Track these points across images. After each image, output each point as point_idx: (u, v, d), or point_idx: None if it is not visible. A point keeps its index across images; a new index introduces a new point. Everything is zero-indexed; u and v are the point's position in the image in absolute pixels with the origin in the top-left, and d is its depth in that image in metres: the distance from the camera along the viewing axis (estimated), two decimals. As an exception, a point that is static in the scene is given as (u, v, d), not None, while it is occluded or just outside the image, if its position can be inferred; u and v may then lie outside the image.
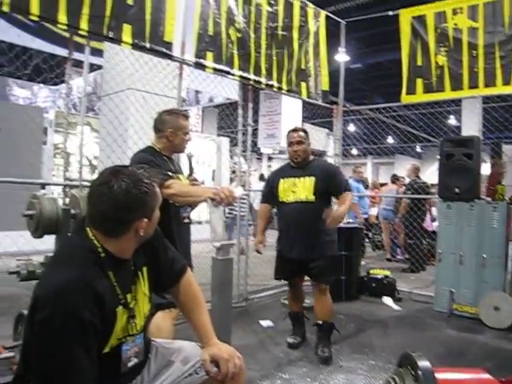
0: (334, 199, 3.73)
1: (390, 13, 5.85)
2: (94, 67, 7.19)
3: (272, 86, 4.96)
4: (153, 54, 3.95)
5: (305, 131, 3.72)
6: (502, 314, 4.38)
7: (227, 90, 6.23)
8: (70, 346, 1.30)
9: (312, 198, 3.49)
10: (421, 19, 5.61)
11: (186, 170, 3.01)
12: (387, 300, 5.28)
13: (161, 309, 2.34)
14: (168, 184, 2.42)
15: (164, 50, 3.90)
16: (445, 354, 3.69)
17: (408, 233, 7.44)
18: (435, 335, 4.21)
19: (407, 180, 8.40)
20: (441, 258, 4.99)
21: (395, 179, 9.31)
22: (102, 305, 1.39)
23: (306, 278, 3.75)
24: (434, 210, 8.54)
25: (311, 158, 3.72)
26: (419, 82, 5.62)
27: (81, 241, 1.51)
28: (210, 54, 4.28)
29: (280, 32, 5.01)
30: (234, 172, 11.62)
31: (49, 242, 3.32)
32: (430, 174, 11.91)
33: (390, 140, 21.03)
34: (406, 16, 5.73)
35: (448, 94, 5.51)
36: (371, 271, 5.72)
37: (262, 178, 12.83)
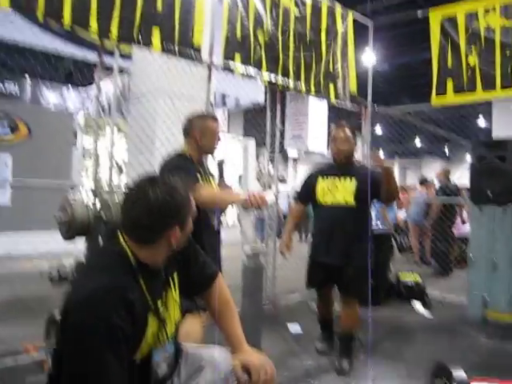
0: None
1: (419, 13, 5.75)
2: (122, 70, 7.29)
3: (300, 88, 4.94)
4: (181, 57, 3.97)
5: (352, 131, 3.50)
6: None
7: (254, 92, 6.24)
8: (101, 351, 1.30)
9: (352, 202, 3.31)
10: (451, 19, 5.49)
11: (216, 175, 3.00)
12: (417, 305, 5.18)
13: (190, 313, 2.35)
14: (198, 189, 2.42)
15: (192, 53, 3.92)
16: (479, 364, 3.55)
17: (438, 236, 7.31)
18: (469, 343, 4.10)
19: (437, 183, 8.26)
20: (473, 263, 4.87)
21: (424, 181, 9.15)
22: (133, 312, 1.40)
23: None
24: (464, 214, 8.37)
25: (354, 160, 3.58)
26: (449, 83, 5.50)
27: (112, 247, 1.52)
28: (238, 57, 4.28)
29: (308, 34, 4.97)
30: (260, 173, 11.65)
31: (79, 243, 3.37)
32: (459, 176, 11.66)
33: (418, 142, 20.73)
34: (435, 16, 5.61)
35: (479, 95, 5.37)
36: (400, 275, 5.62)
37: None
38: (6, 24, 3.34)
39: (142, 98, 5.25)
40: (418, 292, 5.34)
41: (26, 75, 10.19)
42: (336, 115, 6.77)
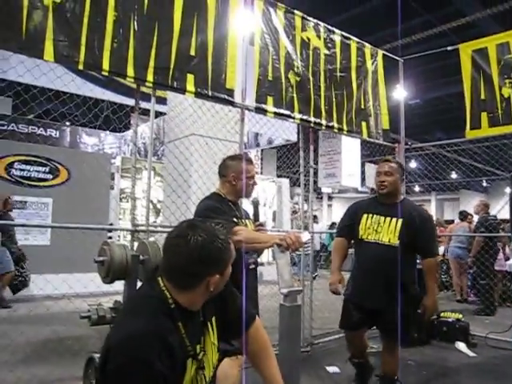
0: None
1: (449, 48, 5.77)
2: (157, 114, 7.54)
3: (332, 127, 4.97)
4: (215, 101, 4.08)
5: (399, 164, 3.44)
6: None
7: (287, 131, 6.32)
8: None
9: (396, 242, 3.16)
10: (482, 52, 5.48)
11: (251, 216, 3.02)
12: (461, 345, 4.97)
13: (227, 356, 2.32)
14: (235, 231, 2.44)
15: (226, 97, 4.02)
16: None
17: (480, 273, 7.07)
18: (517, 385, 3.91)
19: (475, 217, 8.04)
20: (518, 300, 4.67)
21: (464, 216, 8.88)
22: (172, 356, 1.40)
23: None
24: (507, 249, 8.09)
25: (401, 197, 3.44)
26: (484, 115, 5.44)
27: (152, 291, 1.54)
28: (270, 99, 4.37)
29: (338, 73, 5.04)
30: (295, 212, 11.62)
31: (117, 285, 3.42)
32: (499, 209, 11.33)
33: (454, 175, 20.36)
34: (466, 50, 5.62)
35: (516, 127, 5.29)
36: (442, 314, 5.43)
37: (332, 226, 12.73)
38: (47, 71, 3.51)
39: (178, 142, 5.40)
40: (460, 331, 5.13)
41: (66, 122, 10.65)
42: (369, 151, 6.75)
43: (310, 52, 4.78)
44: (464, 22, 8.31)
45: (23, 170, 8.11)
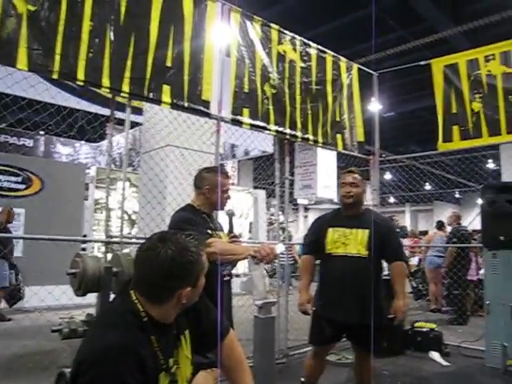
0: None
1: (422, 63, 5.91)
2: (133, 124, 7.49)
3: (308, 139, 5.02)
4: (191, 112, 4.09)
5: (361, 176, 3.41)
6: (561, 370, 4.09)
7: (263, 143, 6.37)
8: None
9: (365, 253, 3.14)
10: (453, 67, 5.63)
11: (226, 227, 3.01)
12: (434, 355, 5.02)
13: (202, 368, 2.30)
14: (209, 242, 2.43)
15: (202, 109, 4.03)
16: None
17: (453, 283, 7.18)
18: (489, 394, 3.96)
19: (448, 228, 8.19)
20: (489, 309, 4.76)
21: (442, 226, 9.03)
22: (144, 370, 1.38)
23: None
24: (479, 259, 8.25)
25: (363, 208, 3.43)
26: (455, 129, 5.57)
27: (124, 304, 1.52)
28: (246, 111, 4.39)
29: (314, 86, 5.11)
30: (271, 224, 11.65)
31: (89, 298, 3.36)
32: (471, 220, 11.57)
33: (428, 187, 20.73)
34: (438, 65, 5.77)
35: (486, 140, 5.43)
36: (416, 324, 5.49)
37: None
38: (21, 81, 3.46)
39: (153, 153, 5.37)
40: (434, 340, 5.20)
41: (40, 131, 10.50)
42: (345, 163, 6.83)
43: (286, 65, 4.84)
44: (436, 38, 8.52)
45: (-5, 179, 7.96)
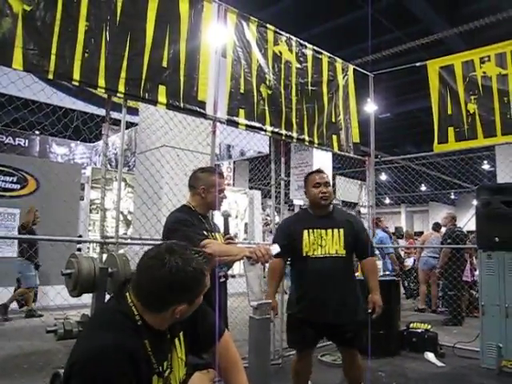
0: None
1: (418, 64, 5.93)
2: (128, 124, 7.48)
3: (303, 140, 5.03)
4: (187, 113, 4.09)
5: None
6: (555, 371, 4.10)
7: (259, 144, 6.37)
8: None
9: (343, 252, 3.14)
10: (449, 69, 5.65)
11: (221, 229, 3.00)
12: (429, 355, 5.03)
13: (198, 369, 2.30)
14: (203, 244, 2.42)
15: (197, 109, 4.03)
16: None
17: (448, 284, 7.20)
18: (484, 395, 3.97)
19: (443, 229, 8.21)
20: (484, 310, 4.77)
21: (438, 227, 9.06)
22: (137, 373, 1.38)
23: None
24: (474, 260, 8.28)
25: (331, 206, 3.36)
26: (451, 130, 5.60)
27: (119, 306, 1.52)
28: (241, 112, 4.40)
29: (310, 87, 5.12)
30: (266, 224, 11.64)
31: (85, 298, 3.35)
32: (466, 222, 11.61)
33: (423, 188, 20.80)
34: (433, 66, 5.79)
35: (481, 142, 5.46)
36: (411, 325, 5.50)
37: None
38: (16, 81, 3.45)
39: (149, 154, 5.36)
40: (429, 341, 5.21)
41: (36, 131, 10.47)
42: (340, 163, 6.86)
43: (282, 65, 4.84)
44: (432, 40, 8.55)
45: (-11, 179, 7.93)
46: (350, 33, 8.76)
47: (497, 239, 4.65)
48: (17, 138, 11.37)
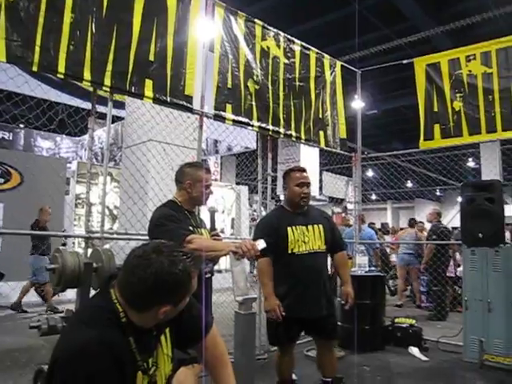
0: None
1: (405, 61, 5.96)
2: (115, 118, 7.41)
3: (290, 135, 5.04)
4: (173, 107, 4.06)
5: None
6: (536, 364, 4.17)
7: (246, 139, 6.36)
8: None
9: (324, 247, 3.24)
10: (435, 66, 5.70)
11: (208, 225, 2.99)
12: (414, 350, 5.09)
13: (183, 364, 2.29)
14: (189, 239, 2.41)
15: (184, 104, 4.01)
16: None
17: (433, 280, 7.28)
18: (466, 388, 4.03)
19: (428, 225, 8.29)
20: (467, 305, 4.84)
21: (413, 223, 9.20)
22: (121, 369, 1.37)
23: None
24: (457, 256, 8.38)
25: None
26: (436, 127, 5.65)
27: (104, 302, 1.50)
28: (229, 106, 4.38)
29: (297, 83, 5.12)
30: (253, 220, 11.64)
31: (69, 293, 3.32)
32: (450, 218, 11.74)
33: (409, 184, 20.95)
34: (420, 64, 5.83)
35: (466, 139, 5.52)
36: (396, 320, 5.55)
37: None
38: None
39: (135, 148, 5.32)
40: (414, 336, 5.26)
41: (20, 124, 10.34)
42: (327, 159, 6.88)
43: (270, 61, 4.83)
44: (419, 38, 8.61)
45: (-28, 173, 7.81)
46: (338, 29, 8.78)
47: (480, 235, 4.70)
48: (1, 132, 11.21)
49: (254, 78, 4.64)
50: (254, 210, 12.68)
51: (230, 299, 3.99)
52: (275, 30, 4.93)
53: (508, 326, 4.51)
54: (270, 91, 4.80)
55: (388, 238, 11.66)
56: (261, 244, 2.24)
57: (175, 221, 2.55)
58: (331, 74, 5.64)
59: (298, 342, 3.45)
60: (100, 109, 4.18)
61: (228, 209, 11.27)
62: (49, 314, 3.25)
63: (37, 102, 4.74)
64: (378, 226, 11.76)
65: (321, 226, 3.27)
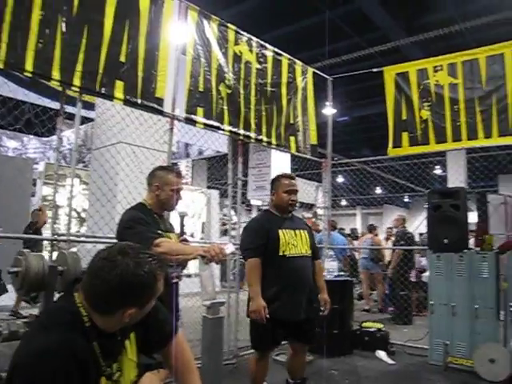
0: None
1: (375, 70, 6.07)
2: (84, 119, 7.27)
3: (261, 140, 5.06)
4: (144, 109, 4.02)
5: None
6: (497, 366, 4.28)
7: (217, 143, 6.35)
8: None
9: (309, 252, 3.34)
10: (404, 76, 5.82)
11: (177, 229, 2.97)
12: (381, 354, 5.17)
13: (149, 370, 2.26)
14: (157, 242, 2.39)
15: (155, 106, 3.97)
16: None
17: (399, 284, 7.42)
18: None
19: (394, 230, 8.45)
20: (433, 309, 4.95)
21: (372, 228, 9.41)
22: (84, 374, 1.34)
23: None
24: (418, 261, 8.59)
25: None
26: (405, 135, 5.77)
27: (67, 306, 1.46)
28: (200, 110, 4.37)
29: (269, 88, 5.15)
30: (224, 224, 11.61)
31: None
32: (418, 224, 11.98)
33: (378, 190, 21.29)
34: (389, 73, 5.95)
35: (433, 147, 5.66)
36: (364, 324, 5.63)
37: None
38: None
39: (104, 150, 5.24)
40: (381, 340, 5.34)
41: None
42: (297, 165, 6.93)
43: (242, 65, 4.85)
44: (389, 47, 8.77)
45: None
46: (311, 36, 8.86)
47: (446, 241, 4.82)
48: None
49: (226, 82, 4.64)
50: (225, 215, 12.65)
51: (198, 304, 3.96)
52: (248, 35, 4.95)
53: (471, 330, 4.64)
54: (242, 96, 4.81)
55: (357, 244, 11.81)
56: (229, 248, 2.23)
57: (144, 224, 2.53)
58: (303, 80, 5.69)
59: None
60: (69, 109, 4.10)
61: (198, 213, 11.21)
62: (11, 319, 3.15)
63: (2, 100, 4.62)
64: (347, 231, 11.89)
65: (306, 232, 3.40)
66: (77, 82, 3.46)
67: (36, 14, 3.22)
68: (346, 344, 5.31)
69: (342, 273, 6.03)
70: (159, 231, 2.59)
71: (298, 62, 5.64)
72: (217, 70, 4.56)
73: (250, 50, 4.96)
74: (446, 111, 5.48)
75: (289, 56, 5.48)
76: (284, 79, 5.38)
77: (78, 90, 3.53)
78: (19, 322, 2.96)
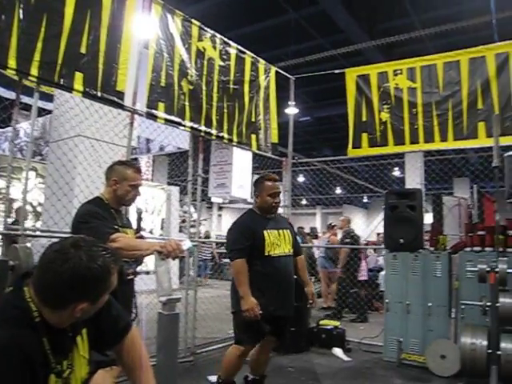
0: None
1: (337, 71, 6.16)
2: (41, 111, 7.06)
3: (222, 137, 5.05)
4: (104, 102, 3.94)
5: None
6: (448, 361, 4.43)
7: (178, 139, 6.29)
8: None
9: (291, 251, 3.51)
10: (365, 78, 5.94)
11: (134, 225, 2.94)
12: (337, 351, 5.26)
13: (101, 367, 2.22)
14: (113, 237, 2.35)
15: (115, 100, 3.89)
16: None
17: (349, 282, 7.61)
18: (383, 386, 4.22)
19: (340, 230, 8.65)
20: (388, 307, 5.07)
21: (331, 227, 9.60)
22: (32, 370, 1.31)
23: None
24: (375, 260, 8.79)
25: None
26: (364, 136, 5.88)
27: (16, 301, 1.42)
28: (161, 105, 4.32)
29: (231, 85, 5.14)
30: (183, 221, 11.51)
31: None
32: (376, 224, 12.25)
33: (338, 190, 21.61)
34: (351, 74, 6.05)
35: (391, 149, 5.80)
36: (321, 322, 5.71)
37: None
38: None
39: (62, 143, 5.11)
40: (337, 337, 5.44)
41: None
42: (258, 163, 6.96)
43: (205, 62, 4.82)
44: (352, 50, 8.91)
45: None
46: (275, 36, 8.93)
47: (402, 241, 4.93)
48: None
49: (189, 77, 4.60)
50: (185, 212, 12.56)
51: (156, 301, 3.92)
52: (212, 32, 4.93)
53: (424, 327, 4.78)
54: (204, 92, 4.78)
55: (316, 242, 11.97)
56: (186, 244, 2.22)
57: (100, 218, 2.49)
58: (265, 78, 5.71)
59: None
60: (25, 100, 3.97)
61: (158, 209, 11.09)
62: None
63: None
64: (307, 230, 12.02)
65: (288, 231, 3.54)
66: (34, 71, 3.35)
67: (-9, 0, 3.10)
68: (303, 341, 5.38)
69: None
70: (116, 226, 2.55)
71: (261, 60, 5.66)
72: (179, 65, 4.52)
73: (214, 47, 4.94)
74: (404, 114, 5.62)
75: (252, 54, 5.49)
76: (247, 77, 5.38)
77: (35, 80, 3.42)
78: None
